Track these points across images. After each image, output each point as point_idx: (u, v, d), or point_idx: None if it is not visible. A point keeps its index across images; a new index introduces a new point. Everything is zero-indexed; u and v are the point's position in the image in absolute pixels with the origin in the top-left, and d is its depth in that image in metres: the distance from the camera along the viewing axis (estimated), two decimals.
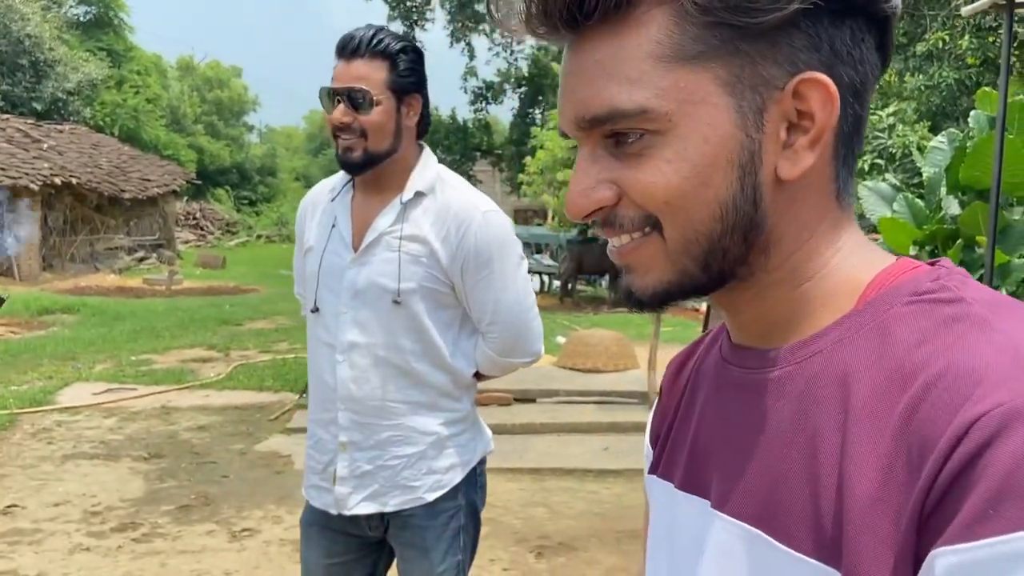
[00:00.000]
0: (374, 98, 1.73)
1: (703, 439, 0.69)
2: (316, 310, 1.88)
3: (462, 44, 25.22)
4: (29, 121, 18.04)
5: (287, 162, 43.06)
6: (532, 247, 16.06)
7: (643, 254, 0.60)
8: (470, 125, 26.67)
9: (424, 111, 1.85)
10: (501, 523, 4.29)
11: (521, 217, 26.23)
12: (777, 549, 0.57)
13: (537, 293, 11.24)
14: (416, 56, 1.80)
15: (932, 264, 0.61)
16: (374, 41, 1.73)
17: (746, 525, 0.60)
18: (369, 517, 1.86)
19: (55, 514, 4.35)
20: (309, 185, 43.83)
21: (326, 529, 1.92)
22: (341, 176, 1.91)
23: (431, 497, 1.84)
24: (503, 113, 29.86)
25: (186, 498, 4.62)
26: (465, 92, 26.41)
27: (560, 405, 6.36)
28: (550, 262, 15.13)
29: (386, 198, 1.82)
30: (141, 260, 18.31)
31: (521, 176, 15.75)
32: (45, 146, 16.40)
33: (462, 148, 26.53)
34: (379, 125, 1.74)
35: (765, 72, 0.57)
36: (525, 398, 6.43)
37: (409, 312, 1.79)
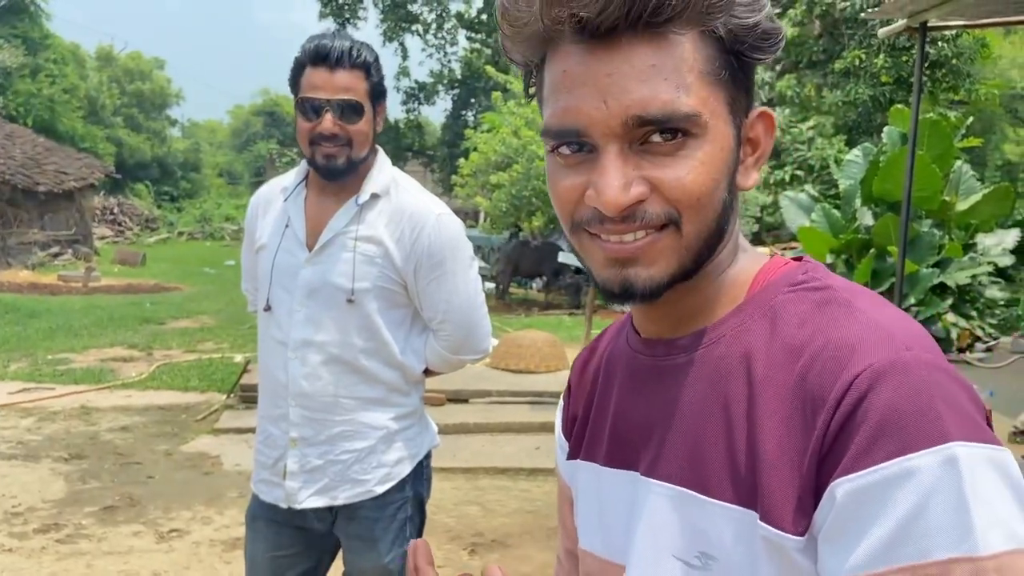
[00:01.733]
0: (363, 108, 1.77)
1: (624, 420, 0.77)
2: (269, 308, 1.89)
3: (395, 44, 25.07)
4: None
5: (210, 157, 41.97)
6: None
7: (656, 248, 0.67)
8: (402, 125, 26.52)
9: (384, 115, 1.90)
10: (435, 521, 4.32)
11: None
12: (703, 501, 0.67)
13: None
14: (380, 66, 1.86)
15: (797, 260, 0.75)
16: (353, 52, 1.76)
17: (674, 485, 0.70)
18: (317, 510, 1.89)
19: None
20: (232, 181, 42.65)
21: (272, 523, 1.93)
22: (294, 175, 1.93)
23: (381, 490, 1.88)
24: (435, 114, 29.82)
25: (110, 499, 4.51)
26: (397, 92, 26.27)
27: (493, 405, 6.42)
28: (482, 264, 15.19)
29: (341, 199, 1.85)
30: (56, 256, 17.59)
31: (455, 178, 15.76)
32: None
33: (394, 148, 26.31)
34: (364, 134, 1.79)
35: (743, 101, 0.69)
36: (458, 398, 6.47)
37: (362, 311, 1.82)
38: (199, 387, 7.05)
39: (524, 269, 13.51)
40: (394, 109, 26.74)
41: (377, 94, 1.81)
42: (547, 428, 5.92)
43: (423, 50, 25.48)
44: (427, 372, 2.00)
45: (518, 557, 3.90)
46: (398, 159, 26.34)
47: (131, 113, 34.54)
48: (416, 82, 26.19)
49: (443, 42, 25.48)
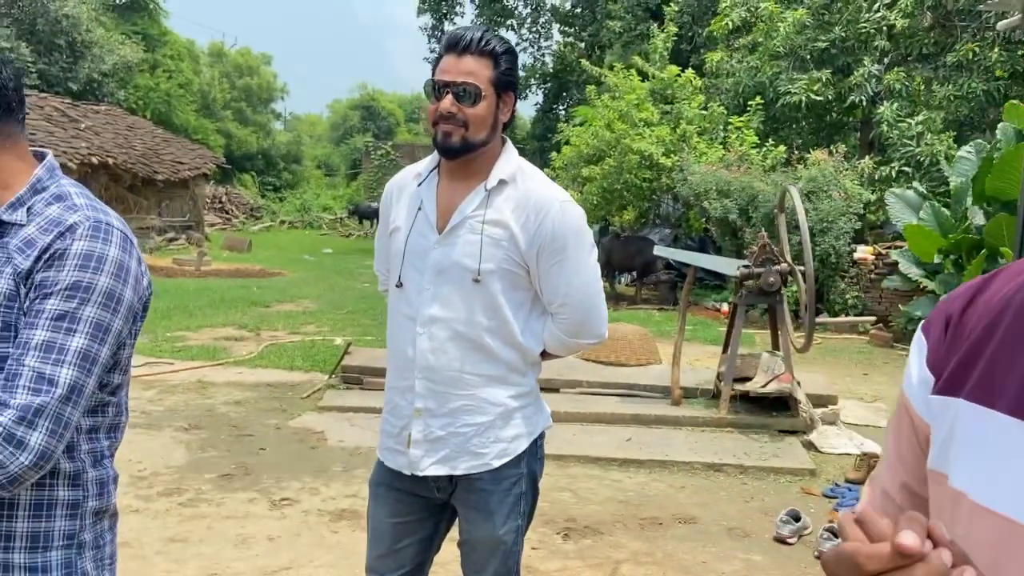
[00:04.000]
0: (481, 92, 1.89)
1: None
2: (400, 285, 2.03)
3: None
4: (67, 101, 18.36)
5: (310, 150, 43.32)
6: None
7: None
8: None
9: (514, 107, 2.02)
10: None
11: None
12: None
13: None
14: (514, 58, 1.98)
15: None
16: (483, 41, 1.91)
17: None
18: (438, 479, 2.01)
19: None
20: (330, 173, 43.68)
21: (393, 489, 2.07)
22: (427, 163, 2.07)
23: (497, 464, 1.99)
24: (526, 108, 29.93)
25: (227, 467, 4.83)
26: None
27: (583, 396, 6.50)
28: None
29: (471, 185, 1.97)
30: (171, 240, 18.61)
31: (546, 171, 15.88)
32: (83, 126, 16.73)
33: None
34: (481, 118, 1.91)
35: None
36: (549, 387, 6.58)
37: (487, 291, 1.94)
38: (303, 367, 7.39)
39: (615, 263, 13.48)
40: None
41: (503, 83, 1.93)
42: (638, 420, 5.97)
43: (517, 44, 25.64)
44: (544, 355, 2.10)
45: (610, 544, 3.99)
46: None
47: (240, 107, 36.03)
48: None
49: (537, 36, 25.57)
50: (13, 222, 1.25)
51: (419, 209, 2.02)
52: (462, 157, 1.95)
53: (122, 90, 22.89)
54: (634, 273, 13.93)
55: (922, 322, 0.90)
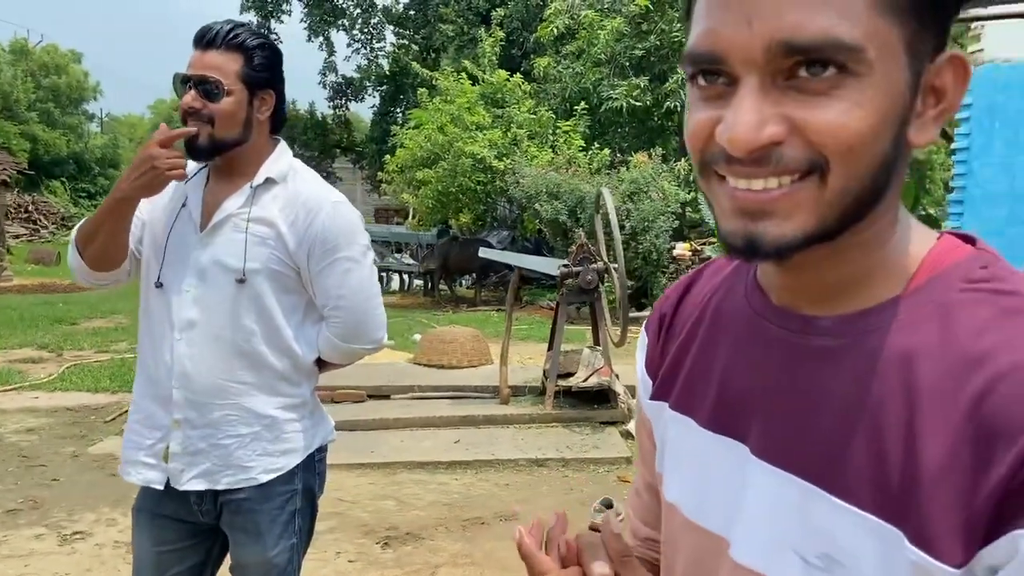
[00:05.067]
0: (225, 87, 1.77)
1: (734, 386, 0.70)
2: (160, 285, 1.87)
3: (320, 39, 24.75)
4: None
5: (130, 153, 40.58)
6: (393, 246, 15.99)
7: (793, 200, 0.57)
8: (329, 121, 26.19)
9: (278, 107, 1.90)
10: (349, 516, 4.32)
11: (383, 216, 25.99)
12: (833, 502, 0.60)
13: (397, 292, 11.28)
14: (272, 54, 1.86)
15: (967, 242, 0.64)
16: (231, 34, 1.79)
17: (797, 478, 0.63)
18: (201, 499, 1.87)
19: None
20: None
21: (156, 516, 1.91)
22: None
23: (265, 479, 1.87)
24: (364, 111, 29.53)
25: (13, 502, 4.37)
26: (324, 88, 25.95)
27: (414, 401, 6.43)
28: (410, 261, 15.14)
29: (237, 183, 1.86)
30: None
31: (380, 174, 15.65)
32: None
33: (321, 144, 26.04)
34: (228, 114, 1.78)
35: (927, 42, 0.58)
36: (379, 394, 6.46)
37: (253, 293, 1.83)
38: (110, 387, 6.86)
39: (453, 266, 13.51)
40: (321, 104, 26.39)
41: (257, 80, 1.82)
42: (467, 422, 5.96)
43: (349, 45, 25.23)
44: (321, 366, 2.00)
45: (430, 548, 3.93)
46: (326, 155, 26.02)
47: (47, 108, 33.20)
48: (343, 78, 25.90)
49: (369, 37, 25.24)
50: None
51: (183, 206, 1.87)
52: (214, 157, 1.82)
53: None
54: (473, 275, 14.01)
55: (647, 319, 0.87)
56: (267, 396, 1.88)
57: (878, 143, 0.57)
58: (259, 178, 1.86)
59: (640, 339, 0.88)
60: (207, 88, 1.76)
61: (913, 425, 0.57)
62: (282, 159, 1.91)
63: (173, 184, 1.89)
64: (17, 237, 22.47)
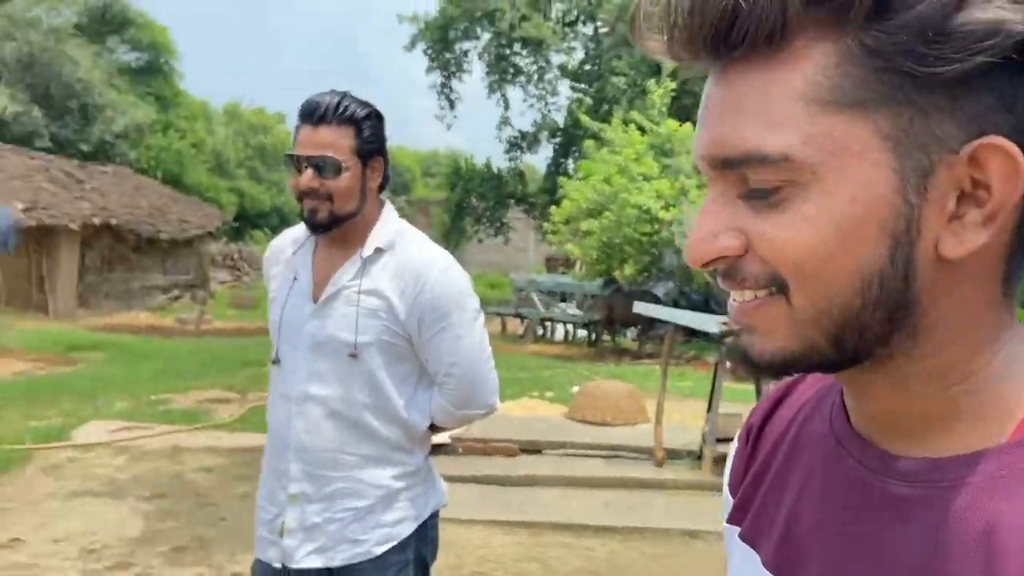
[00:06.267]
0: (342, 165, 1.79)
1: (802, 522, 0.62)
2: (277, 361, 1.92)
3: (498, 95, 25.70)
4: (74, 162, 18.67)
5: None
6: (558, 295, 16.07)
7: (766, 316, 0.53)
8: (504, 173, 26.98)
9: (385, 171, 1.92)
10: None
11: (552, 265, 26.31)
12: None
13: (561, 342, 11.17)
14: (378, 120, 1.88)
15: None
16: (340, 108, 1.81)
17: None
18: (316, 573, 1.87)
19: (54, 551, 4.40)
20: None
21: None
22: (303, 228, 1.97)
23: (379, 551, 1.86)
24: (540, 162, 30.21)
25: (182, 539, 4.66)
26: (500, 141, 26.84)
27: (567, 458, 6.31)
28: (575, 311, 15.13)
29: (347, 253, 1.88)
30: (176, 299, 18.67)
31: (546, 224, 15.83)
32: (88, 187, 16.94)
33: (496, 196, 26.80)
34: (347, 189, 1.81)
35: (939, 130, 0.48)
36: (532, 448, 6.40)
37: (365, 366, 1.83)
38: None
39: (618, 317, 13.34)
40: (497, 157, 27.28)
41: (368, 150, 1.83)
42: (620, 484, 5.76)
43: (524, 100, 25.97)
44: (433, 428, 1.98)
45: None
46: (501, 206, 26.78)
47: (254, 165, 36.60)
48: (519, 131, 26.67)
49: (544, 92, 25.88)
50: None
51: (294, 279, 1.91)
52: (334, 230, 1.85)
53: (134, 151, 23.29)
54: (638, 327, 13.75)
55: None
56: (381, 467, 1.87)
57: (846, 258, 0.50)
58: (368, 248, 1.86)
59: (731, 448, 0.77)
60: (323, 167, 1.79)
61: None
62: (389, 224, 1.91)
63: (285, 256, 1.94)
64: (223, 283, 24.65)
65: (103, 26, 24.15)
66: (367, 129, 1.83)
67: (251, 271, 29.31)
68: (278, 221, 36.71)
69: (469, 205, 25.04)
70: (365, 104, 1.88)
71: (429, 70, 25.63)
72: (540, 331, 15.18)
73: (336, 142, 1.79)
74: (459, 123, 26.66)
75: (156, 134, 25.34)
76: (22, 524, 4.77)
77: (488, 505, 5.13)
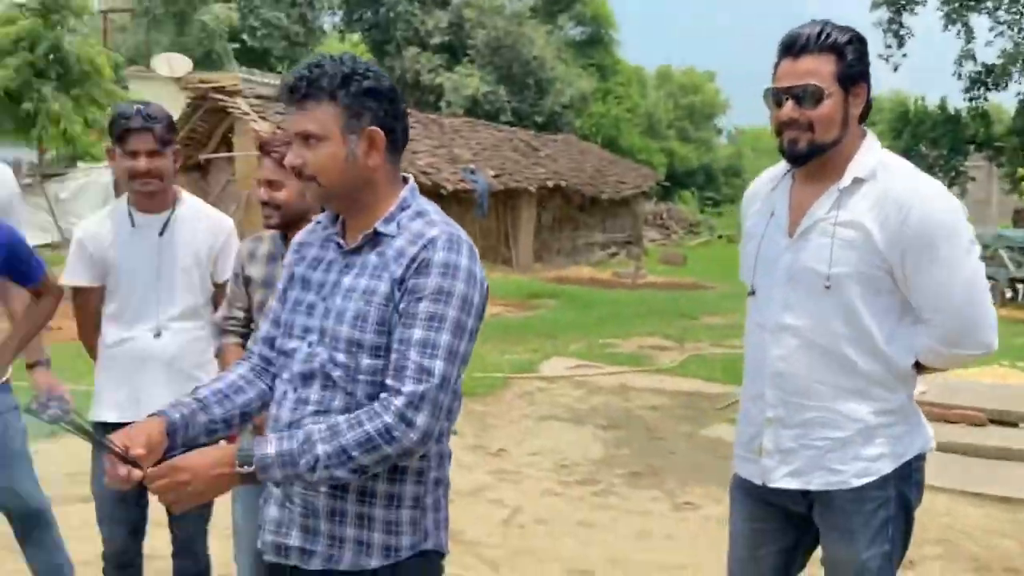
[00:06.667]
0: (824, 92, 1.80)
1: None
2: (753, 293, 2.01)
3: (957, 26, 22.55)
4: (531, 132, 20.99)
5: (753, 163, 42.89)
6: None
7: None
8: (963, 115, 23.70)
9: (868, 98, 1.87)
10: (960, 548, 3.93)
11: (1022, 219, 22.54)
12: None
13: None
14: (862, 45, 1.85)
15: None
16: (822, 36, 1.81)
17: None
18: (791, 492, 1.93)
19: (532, 462, 5.14)
20: None
21: (749, 495, 2.03)
22: (782, 166, 2.01)
23: (857, 483, 1.86)
24: (1007, 100, 25.90)
25: (637, 466, 5.09)
26: (959, 78, 23.58)
27: None
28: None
29: (824, 186, 1.88)
30: (612, 255, 20.04)
31: (1021, 170, 13.58)
32: (542, 154, 18.95)
33: (951, 141, 23.71)
34: (827, 118, 1.81)
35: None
36: (1003, 420, 5.67)
37: (841, 297, 1.82)
38: (722, 379, 7.42)
39: None
40: (955, 97, 23.99)
41: (851, 76, 1.80)
42: None
43: (991, 29, 22.41)
44: (920, 368, 1.90)
45: None
46: (957, 153, 23.61)
47: (683, 125, 37.30)
48: (983, 65, 23.14)
49: (1018, 16, 22.03)
50: (387, 233, 1.51)
51: (772, 215, 1.97)
52: (813, 160, 1.85)
53: (578, 119, 25.35)
54: None
55: None
56: (860, 400, 1.86)
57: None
58: (846, 179, 1.84)
59: None
60: (803, 96, 1.80)
61: None
62: (870, 154, 1.86)
63: (763, 194, 2.00)
64: (652, 241, 25.74)
65: (554, 5, 26.53)
66: (850, 54, 1.80)
67: (679, 229, 30.12)
68: (704, 180, 37.03)
69: (918, 153, 22.45)
70: (847, 29, 1.84)
71: (874, 6, 23.44)
72: (1009, 293, 13.22)
73: (818, 69, 1.79)
74: (905, 63, 23.90)
75: (597, 102, 27.22)
76: (505, 439, 5.63)
77: (954, 473, 4.69)
